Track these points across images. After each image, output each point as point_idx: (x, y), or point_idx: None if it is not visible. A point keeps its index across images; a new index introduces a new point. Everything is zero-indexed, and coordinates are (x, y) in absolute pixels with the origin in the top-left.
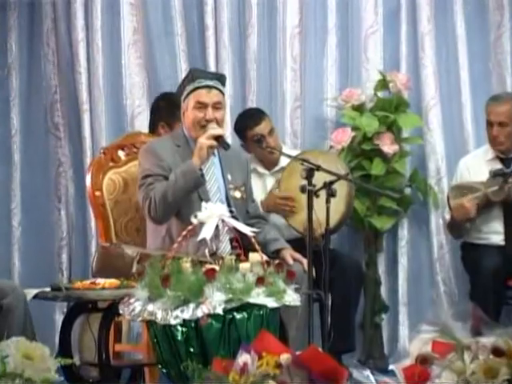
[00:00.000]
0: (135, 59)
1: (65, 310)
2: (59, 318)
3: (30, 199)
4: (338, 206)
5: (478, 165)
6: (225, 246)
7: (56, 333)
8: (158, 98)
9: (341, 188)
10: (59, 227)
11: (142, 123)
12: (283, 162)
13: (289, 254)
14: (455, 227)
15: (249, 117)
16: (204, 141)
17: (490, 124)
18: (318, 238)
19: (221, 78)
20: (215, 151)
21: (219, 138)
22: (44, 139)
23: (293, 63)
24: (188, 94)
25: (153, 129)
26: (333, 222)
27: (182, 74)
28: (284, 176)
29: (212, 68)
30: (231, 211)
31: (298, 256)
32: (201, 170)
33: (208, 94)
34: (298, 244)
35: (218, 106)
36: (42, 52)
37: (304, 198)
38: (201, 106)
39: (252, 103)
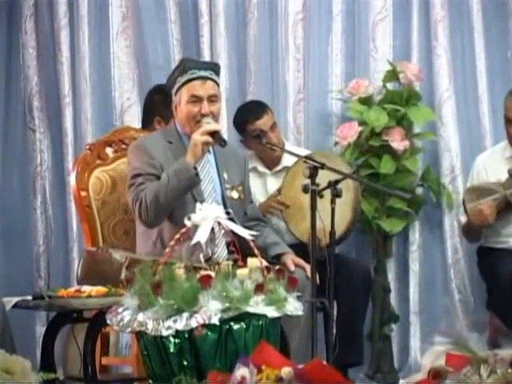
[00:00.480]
0: (124, 48)
1: (45, 320)
2: (38, 329)
3: (7, 200)
4: (343, 213)
5: (496, 163)
6: (221, 251)
7: (35, 345)
8: (151, 91)
9: (346, 193)
10: (37, 231)
11: (131, 118)
12: (286, 160)
13: (290, 260)
14: (471, 232)
15: (249, 110)
16: (198, 137)
17: (508, 121)
18: (322, 248)
19: (215, 68)
20: (210, 148)
21: (215, 134)
22: (23, 134)
23: (295, 52)
24: (180, 87)
25: (147, 124)
26: (339, 231)
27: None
28: (286, 181)
29: (207, 58)
30: (228, 213)
31: (300, 261)
32: (195, 168)
33: (202, 86)
34: (300, 249)
35: (213, 98)
36: (20, 40)
37: (307, 204)
38: (195, 99)
39: (251, 96)
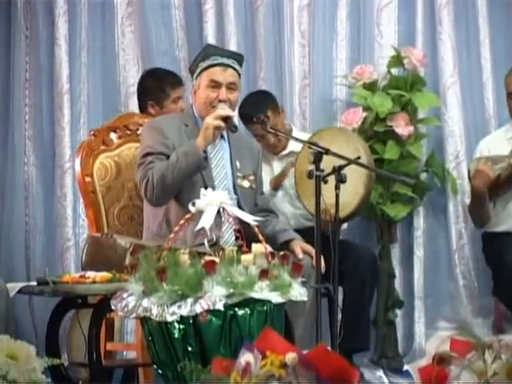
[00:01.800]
0: (129, 33)
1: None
2: (24, 315)
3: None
4: (356, 188)
5: (499, 145)
6: (228, 237)
7: (33, 331)
8: (142, 76)
9: (358, 169)
10: (21, 217)
11: (136, 103)
12: (292, 145)
13: (299, 246)
14: (477, 205)
15: (252, 105)
16: (211, 121)
17: (511, 96)
18: (328, 220)
19: (238, 58)
20: (225, 135)
21: (227, 119)
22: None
23: (301, 38)
24: (201, 72)
25: (143, 110)
26: (352, 205)
27: (180, 51)
28: (300, 156)
29: (213, 43)
30: (234, 199)
31: (308, 248)
32: (205, 152)
33: (223, 72)
34: (306, 234)
35: (232, 86)
36: (18, 26)
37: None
38: (214, 85)
39: (263, 81)
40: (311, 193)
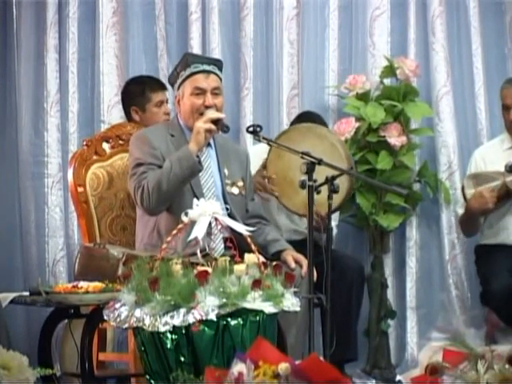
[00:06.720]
0: (113, 43)
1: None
2: (20, 325)
3: None
4: (340, 180)
5: (495, 155)
6: (217, 245)
7: (26, 341)
8: (125, 83)
9: (341, 164)
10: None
11: (119, 113)
12: None
13: (290, 256)
14: (469, 221)
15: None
16: (201, 125)
17: (506, 108)
18: (322, 218)
19: (218, 63)
20: (212, 143)
21: (218, 122)
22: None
23: (290, 47)
24: (183, 81)
25: (128, 117)
26: (338, 198)
27: (163, 61)
28: (271, 157)
29: (198, 52)
30: (227, 209)
31: (299, 257)
32: (198, 156)
33: (206, 79)
34: (300, 245)
35: (216, 91)
36: (15, 39)
37: (296, 177)
38: (199, 91)
39: (247, 91)
40: (290, 194)
